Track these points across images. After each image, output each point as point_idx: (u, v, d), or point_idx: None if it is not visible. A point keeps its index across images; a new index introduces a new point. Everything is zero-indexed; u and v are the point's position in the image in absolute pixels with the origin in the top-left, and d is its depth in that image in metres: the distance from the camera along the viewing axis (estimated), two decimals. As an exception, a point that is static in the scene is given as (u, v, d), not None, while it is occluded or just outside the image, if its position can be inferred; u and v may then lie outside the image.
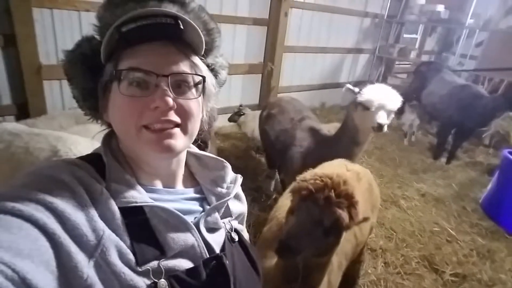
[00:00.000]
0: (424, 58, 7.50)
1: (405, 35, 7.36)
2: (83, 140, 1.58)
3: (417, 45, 7.69)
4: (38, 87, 3.13)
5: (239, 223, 0.83)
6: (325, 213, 1.01)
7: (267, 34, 4.85)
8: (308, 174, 1.13)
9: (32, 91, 3.09)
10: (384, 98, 2.06)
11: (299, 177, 1.13)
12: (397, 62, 7.36)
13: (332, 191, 1.01)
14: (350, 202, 1.02)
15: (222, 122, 4.69)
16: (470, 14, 5.70)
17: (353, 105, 2.18)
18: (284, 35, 4.89)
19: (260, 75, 5.07)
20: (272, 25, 4.76)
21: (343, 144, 2.26)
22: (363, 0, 6.04)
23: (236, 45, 4.60)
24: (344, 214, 1.00)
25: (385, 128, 2.05)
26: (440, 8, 6.34)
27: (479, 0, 5.51)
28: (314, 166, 2.21)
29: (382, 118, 2.03)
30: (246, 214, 0.89)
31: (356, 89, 2.19)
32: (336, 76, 6.32)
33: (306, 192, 1.04)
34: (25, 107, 3.10)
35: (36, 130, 1.78)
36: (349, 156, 2.16)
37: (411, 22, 6.86)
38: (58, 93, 3.29)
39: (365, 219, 1.09)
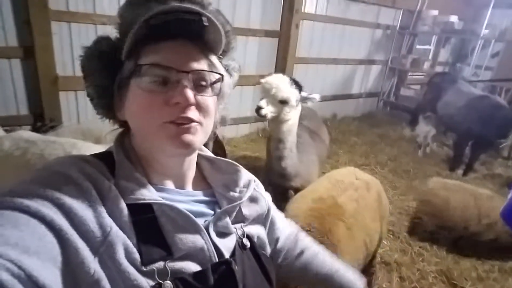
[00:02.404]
0: (438, 69, 7.42)
1: (418, 46, 7.32)
2: (97, 147, 1.60)
3: (430, 56, 7.63)
4: (54, 98, 3.22)
5: (260, 225, 0.80)
6: None
7: (279, 46, 4.89)
8: None
9: (49, 101, 3.19)
10: (269, 84, 2.08)
11: None
12: (410, 73, 7.30)
13: None
14: None
15: (232, 133, 4.71)
16: (485, 24, 5.64)
17: None
18: (295, 46, 4.92)
19: (272, 86, 5.08)
20: (284, 37, 4.80)
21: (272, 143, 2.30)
22: (375, 12, 6.03)
23: (248, 56, 4.65)
24: None
25: (263, 113, 2.04)
26: (454, 19, 6.30)
27: (494, 10, 5.45)
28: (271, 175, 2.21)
29: (260, 102, 2.06)
30: (271, 210, 0.84)
31: None
32: (347, 87, 6.30)
33: None
34: (41, 117, 3.19)
35: (51, 137, 1.82)
36: (278, 154, 2.21)
37: (424, 33, 6.80)
38: (74, 103, 3.37)
39: None
